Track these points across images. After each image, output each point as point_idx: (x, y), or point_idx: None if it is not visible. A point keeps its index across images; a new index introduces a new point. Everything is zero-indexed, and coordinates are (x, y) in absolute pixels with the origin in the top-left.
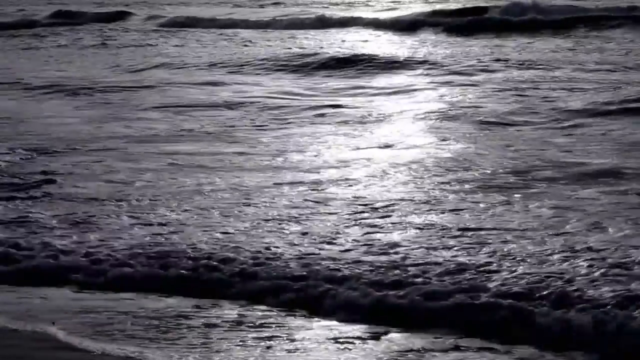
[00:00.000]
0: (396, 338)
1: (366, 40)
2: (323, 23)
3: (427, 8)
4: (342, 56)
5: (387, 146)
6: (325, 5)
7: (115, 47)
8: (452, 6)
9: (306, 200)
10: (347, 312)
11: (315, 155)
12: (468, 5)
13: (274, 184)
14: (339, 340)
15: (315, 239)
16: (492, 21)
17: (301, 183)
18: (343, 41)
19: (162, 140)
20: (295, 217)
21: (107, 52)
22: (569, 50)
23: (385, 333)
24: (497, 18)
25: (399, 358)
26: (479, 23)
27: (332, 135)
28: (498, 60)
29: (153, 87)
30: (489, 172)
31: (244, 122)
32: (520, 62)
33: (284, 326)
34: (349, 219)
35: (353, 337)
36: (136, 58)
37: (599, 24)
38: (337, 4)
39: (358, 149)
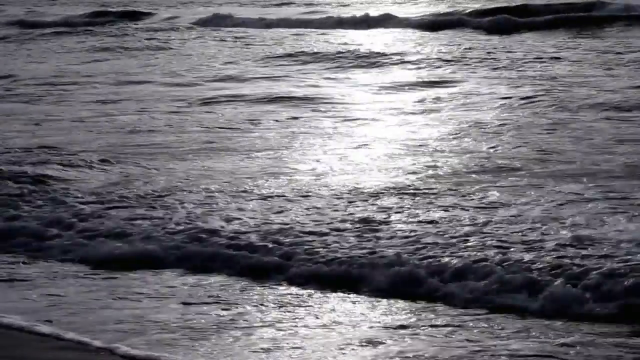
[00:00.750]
0: None
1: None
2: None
3: (452, 7)
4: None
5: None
6: (333, 5)
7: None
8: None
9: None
10: None
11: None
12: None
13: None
14: None
15: None
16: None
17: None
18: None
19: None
20: None
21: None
22: (570, 49)
23: None
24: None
25: None
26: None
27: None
28: (498, 59)
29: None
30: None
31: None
32: (522, 61)
33: None
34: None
35: None
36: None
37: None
38: (347, 4)
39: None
